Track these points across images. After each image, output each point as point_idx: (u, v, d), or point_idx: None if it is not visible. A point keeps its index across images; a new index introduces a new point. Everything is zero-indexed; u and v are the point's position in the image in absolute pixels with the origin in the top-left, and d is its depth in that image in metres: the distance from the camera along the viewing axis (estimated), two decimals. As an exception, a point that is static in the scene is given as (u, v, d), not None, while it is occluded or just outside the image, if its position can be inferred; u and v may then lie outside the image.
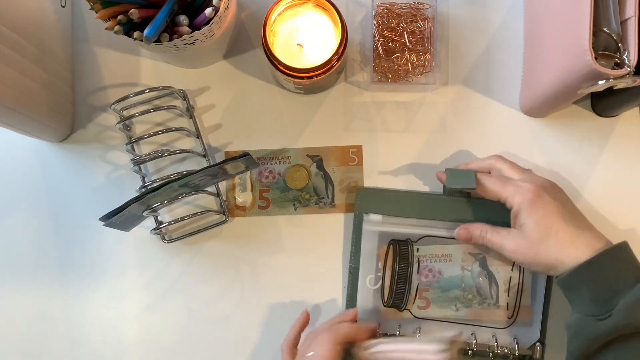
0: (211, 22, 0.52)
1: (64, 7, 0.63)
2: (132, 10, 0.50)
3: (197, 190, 0.59)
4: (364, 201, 0.60)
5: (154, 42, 0.51)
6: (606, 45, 0.49)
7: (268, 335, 0.60)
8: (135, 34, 0.51)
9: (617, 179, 0.61)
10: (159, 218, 0.62)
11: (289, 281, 0.61)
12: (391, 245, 0.58)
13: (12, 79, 0.52)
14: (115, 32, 0.51)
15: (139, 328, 0.61)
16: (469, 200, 0.58)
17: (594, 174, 0.61)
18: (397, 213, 0.59)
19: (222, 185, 0.62)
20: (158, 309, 0.61)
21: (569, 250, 0.49)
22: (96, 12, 0.51)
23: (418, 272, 0.58)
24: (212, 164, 0.62)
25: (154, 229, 0.60)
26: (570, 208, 0.52)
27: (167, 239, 0.61)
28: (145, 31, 0.50)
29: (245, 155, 0.54)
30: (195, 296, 0.61)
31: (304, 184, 0.62)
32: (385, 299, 0.58)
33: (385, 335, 0.58)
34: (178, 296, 0.61)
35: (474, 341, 0.56)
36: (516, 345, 0.56)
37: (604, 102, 0.60)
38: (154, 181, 0.61)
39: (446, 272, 0.58)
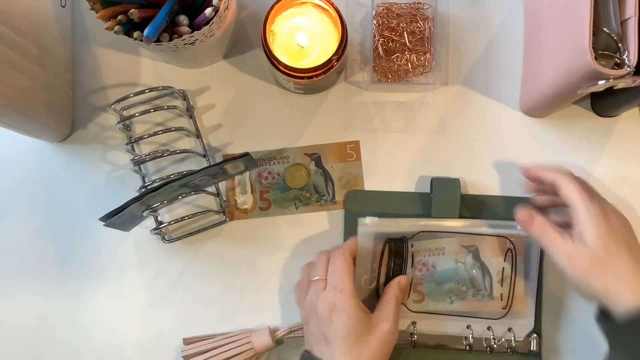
0: (211, 22, 0.52)
1: (64, 7, 0.63)
2: (132, 10, 0.50)
3: (197, 190, 0.59)
4: (353, 203, 0.61)
5: (154, 42, 0.51)
6: (606, 45, 0.49)
7: (268, 335, 0.60)
8: (135, 34, 0.51)
9: (617, 178, 0.61)
10: (159, 218, 0.62)
11: (289, 281, 0.61)
12: (387, 244, 0.58)
13: (12, 79, 0.52)
14: (115, 32, 0.51)
15: (139, 328, 0.61)
16: (461, 200, 0.59)
17: (594, 174, 0.61)
18: (387, 213, 0.60)
19: (222, 185, 0.62)
20: (158, 309, 0.61)
21: (627, 285, 0.45)
22: (96, 12, 0.51)
23: (412, 266, 0.58)
24: (212, 164, 0.62)
25: (154, 229, 0.60)
26: (636, 243, 0.48)
27: (167, 239, 0.61)
28: (145, 31, 0.50)
29: (245, 155, 0.54)
30: (195, 296, 0.61)
31: (304, 182, 0.62)
32: (381, 294, 0.58)
33: None
34: (178, 296, 0.61)
35: (471, 334, 0.57)
36: (513, 337, 0.57)
37: (604, 102, 0.60)
38: (154, 181, 0.61)
39: (440, 265, 0.58)
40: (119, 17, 0.50)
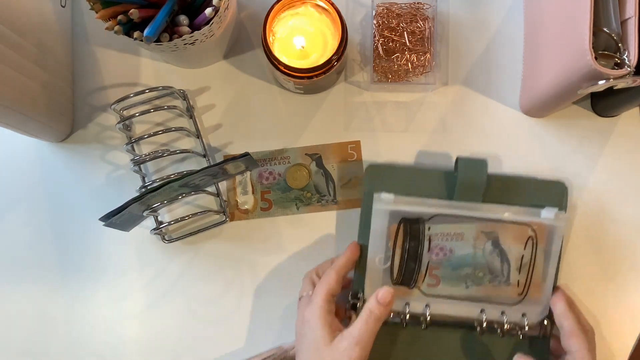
0: (211, 22, 0.52)
1: (64, 7, 0.63)
2: (132, 10, 0.50)
3: (197, 190, 0.59)
4: (373, 179, 0.59)
5: (154, 42, 0.51)
6: (606, 45, 0.49)
7: (268, 336, 0.60)
8: (135, 34, 0.51)
9: (617, 179, 0.61)
10: (159, 218, 0.62)
11: (290, 281, 0.61)
12: (402, 224, 0.57)
13: (12, 79, 0.52)
14: (115, 32, 0.51)
15: (139, 328, 0.61)
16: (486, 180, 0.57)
17: (594, 174, 0.61)
18: (408, 192, 0.57)
19: (223, 185, 0.62)
20: (158, 309, 0.61)
21: None
22: (96, 12, 0.51)
23: (429, 250, 0.56)
24: (212, 164, 0.62)
25: (154, 229, 0.60)
26: None
27: (167, 239, 0.61)
28: (145, 31, 0.50)
29: (245, 155, 0.54)
30: (195, 296, 0.61)
31: (305, 183, 0.62)
32: (395, 276, 0.57)
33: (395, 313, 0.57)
34: (178, 296, 0.61)
35: (484, 317, 0.56)
36: (525, 322, 0.56)
37: (604, 102, 0.60)
38: (154, 181, 0.61)
39: (457, 250, 0.56)
40: (119, 17, 0.50)
